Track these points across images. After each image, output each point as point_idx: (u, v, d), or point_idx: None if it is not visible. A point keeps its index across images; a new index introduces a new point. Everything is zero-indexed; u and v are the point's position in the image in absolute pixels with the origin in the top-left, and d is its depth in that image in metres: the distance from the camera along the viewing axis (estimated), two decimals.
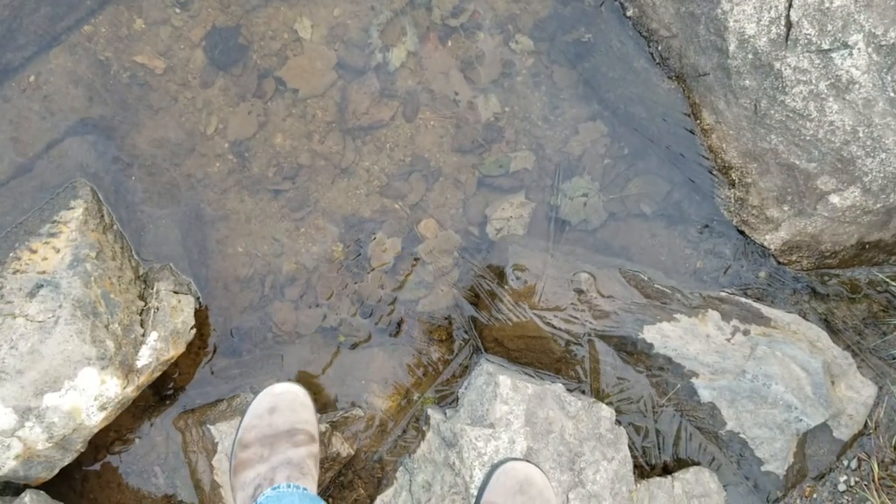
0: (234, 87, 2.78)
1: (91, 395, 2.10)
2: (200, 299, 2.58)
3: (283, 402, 2.16)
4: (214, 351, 2.61)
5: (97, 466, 2.44)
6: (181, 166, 2.74)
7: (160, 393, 2.46)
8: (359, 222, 2.74)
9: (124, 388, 2.13)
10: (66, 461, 2.20)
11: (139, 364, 2.19)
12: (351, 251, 2.74)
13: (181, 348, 2.30)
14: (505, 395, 2.17)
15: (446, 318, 2.67)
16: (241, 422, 2.16)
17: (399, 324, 2.68)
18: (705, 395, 2.28)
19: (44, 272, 2.26)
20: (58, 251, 2.28)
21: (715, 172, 2.56)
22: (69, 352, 2.09)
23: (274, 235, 2.73)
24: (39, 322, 2.12)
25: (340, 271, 2.74)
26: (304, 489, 1.93)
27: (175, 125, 2.77)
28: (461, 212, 2.72)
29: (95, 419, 2.12)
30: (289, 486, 1.94)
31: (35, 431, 2.08)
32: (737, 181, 2.41)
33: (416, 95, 2.78)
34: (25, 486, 2.24)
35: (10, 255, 2.39)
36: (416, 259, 2.70)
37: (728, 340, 2.34)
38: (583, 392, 2.40)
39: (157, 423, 2.48)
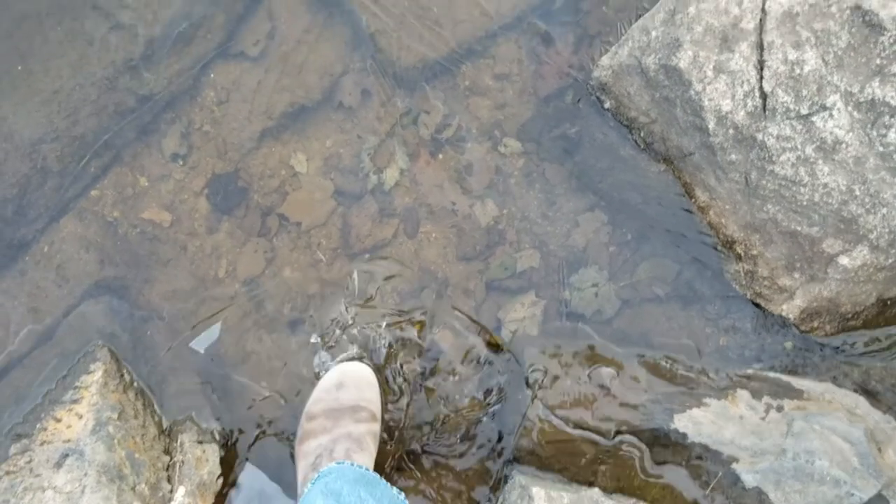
0: (239, 229, 2.85)
1: None
2: (229, 443, 2.57)
3: (350, 380, 2.40)
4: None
5: None
6: (196, 314, 2.79)
7: None
8: (376, 340, 2.74)
9: None
10: None
11: None
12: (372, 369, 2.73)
13: (209, 500, 2.28)
14: None
15: (473, 434, 2.63)
16: (311, 395, 2.37)
17: (423, 449, 2.64)
18: (749, 479, 2.19)
19: (69, 440, 2.28)
20: (80, 417, 2.31)
21: (720, 248, 2.54)
22: None
23: (298, 372, 2.74)
24: (67, 493, 2.13)
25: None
26: (365, 468, 2.07)
27: (186, 274, 2.83)
28: (470, 322, 2.72)
29: None
30: (351, 465, 2.07)
31: None
32: (743, 254, 2.39)
33: (414, 211, 2.83)
34: None
35: (38, 426, 2.43)
36: (437, 373, 2.68)
37: (762, 419, 2.27)
38: (621, 492, 2.33)
39: None
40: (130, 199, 2.91)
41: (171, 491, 2.24)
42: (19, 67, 2.88)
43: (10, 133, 2.80)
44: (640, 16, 2.67)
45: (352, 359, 2.60)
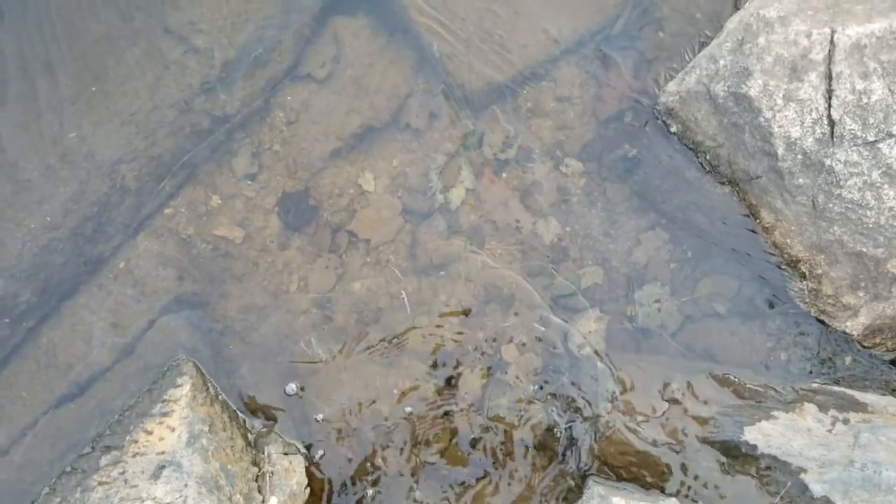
0: (309, 245, 2.96)
1: None
2: (311, 455, 2.68)
3: None
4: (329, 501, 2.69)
5: None
6: (270, 326, 2.89)
7: None
8: (448, 356, 2.85)
9: None
10: None
11: None
12: (441, 387, 2.83)
13: None
14: None
15: (544, 444, 2.73)
16: None
17: (495, 452, 2.74)
18: (817, 489, 2.30)
19: (163, 452, 2.38)
20: (173, 430, 2.41)
21: (783, 267, 2.65)
22: None
23: (367, 382, 2.85)
24: (168, 503, 2.23)
25: (435, 408, 2.83)
26: None
27: (260, 289, 2.94)
28: (540, 334, 2.82)
29: None
30: None
31: None
32: (807, 273, 2.50)
33: (480, 229, 2.94)
34: None
35: (127, 438, 2.53)
36: (503, 384, 2.79)
37: (829, 431, 2.38)
38: (695, 502, 2.43)
39: None
40: (204, 217, 3.02)
41: (264, 501, 2.34)
42: (93, 88, 2.98)
43: (90, 153, 2.91)
44: (702, 44, 2.79)
45: None
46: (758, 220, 2.63)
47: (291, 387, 2.77)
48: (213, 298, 2.92)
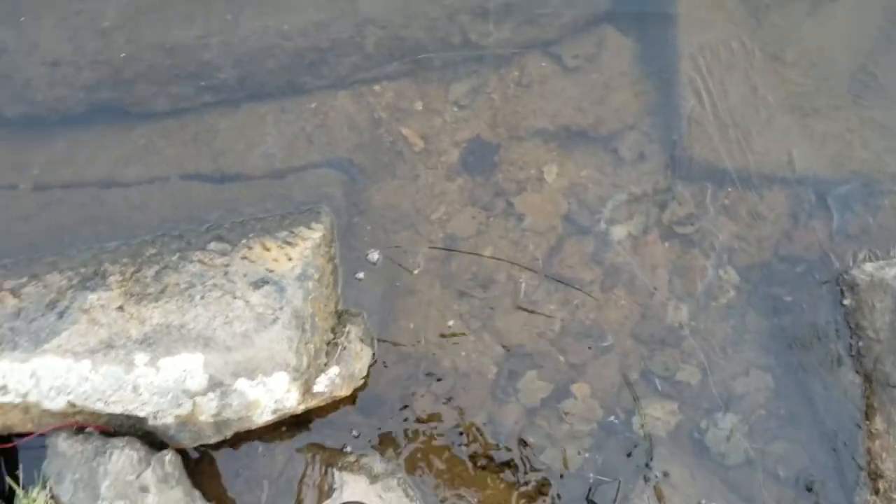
0: (471, 190, 3.06)
1: (273, 398, 2.26)
2: (375, 356, 2.76)
3: None
4: (355, 404, 2.76)
5: (217, 455, 2.56)
6: (399, 234, 2.99)
7: (298, 416, 2.60)
8: (522, 354, 2.91)
9: (298, 404, 2.29)
10: (209, 441, 2.33)
11: (315, 389, 2.36)
12: (503, 376, 2.90)
13: (348, 392, 2.46)
14: None
15: (561, 486, 2.78)
16: None
17: (516, 462, 2.79)
18: None
19: (272, 271, 2.48)
20: (290, 259, 2.51)
21: (862, 472, 2.68)
22: (275, 352, 2.27)
23: (445, 329, 2.92)
24: (258, 313, 2.32)
25: (487, 389, 2.89)
26: None
27: (408, 198, 3.04)
28: (614, 392, 2.87)
29: (262, 419, 2.27)
30: None
31: (210, 404, 2.24)
32: (881, 491, 2.53)
33: (620, 272, 3.00)
34: (163, 444, 2.37)
35: (243, 241, 2.63)
36: (558, 412, 2.84)
37: None
38: None
39: (283, 442, 2.61)
40: (401, 111, 3.14)
41: (326, 365, 2.42)
42: None
43: (356, 4, 3.03)
44: None
45: None
46: (868, 422, 2.67)
47: (374, 255, 2.85)
48: (370, 180, 3.02)
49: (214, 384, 2.23)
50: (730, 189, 3.07)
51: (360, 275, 2.88)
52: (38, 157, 2.97)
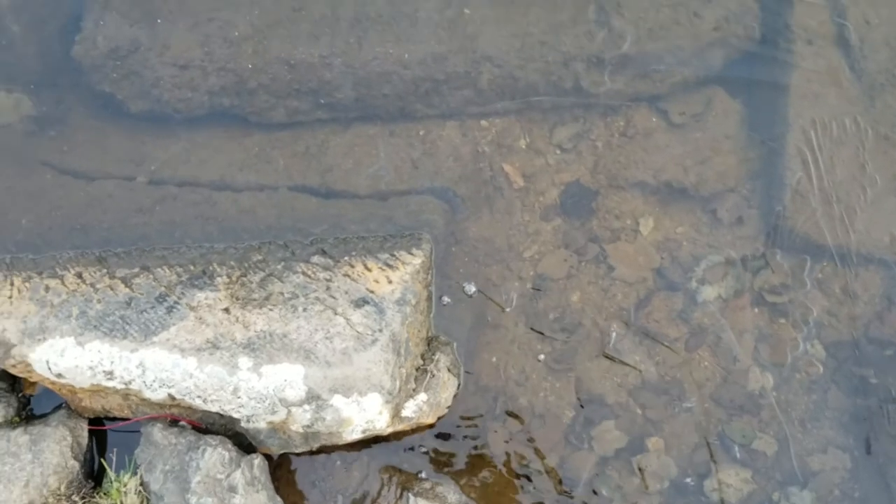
0: (565, 233, 3.10)
1: (365, 418, 2.32)
2: (460, 387, 2.81)
3: None
4: (432, 429, 2.81)
5: (297, 463, 2.63)
6: (490, 268, 3.04)
7: (386, 439, 2.66)
8: (599, 402, 2.93)
9: (387, 426, 2.35)
10: (295, 449, 2.40)
11: (403, 413, 2.41)
12: (578, 422, 2.92)
13: (433, 420, 2.51)
14: None
15: None
16: None
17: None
18: None
19: (372, 292, 2.55)
20: (390, 282, 2.57)
21: None
22: (371, 373, 2.33)
23: (526, 368, 2.96)
24: (358, 333, 2.39)
25: (561, 433, 2.91)
26: None
27: (503, 233, 3.10)
28: (689, 452, 2.87)
29: (351, 436, 2.33)
30: None
31: (304, 416, 2.31)
32: None
33: (705, 334, 3.01)
34: (250, 446, 2.45)
35: (345, 258, 2.71)
36: (631, 465, 2.85)
37: None
38: None
39: (361, 460, 2.66)
40: (504, 148, 3.20)
41: (415, 391, 2.47)
42: None
43: (469, 35, 3.11)
44: None
45: None
46: None
47: (471, 288, 2.91)
48: (468, 211, 3.08)
49: (312, 397, 2.30)
50: (826, 264, 3.06)
51: (449, 301, 2.93)
52: (157, 153, 3.11)
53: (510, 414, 2.91)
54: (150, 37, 3.10)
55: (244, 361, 2.34)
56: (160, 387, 2.37)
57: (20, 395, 2.72)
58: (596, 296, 3.06)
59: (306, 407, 2.30)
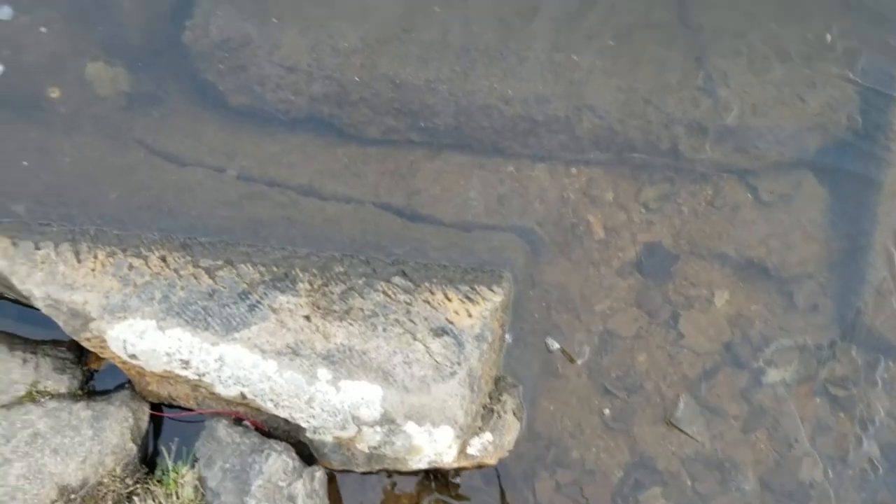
0: (639, 292, 3.09)
1: (434, 450, 2.30)
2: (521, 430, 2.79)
3: None
4: (481, 468, 2.79)
5: (350, 481, 2.62)
6: (560, 315, 3.03)
7: (436, 472, 2.65)
8: (651, 468, 2.90)
9: (453, 461, 2.33)
10: (356, 469, 2.38)
11: (468, 451, 2.39)
12: (627, 484, 2.89)
13: (495, 461, 2.49)
14: None
15: None
16: None
17: None
18: None
19: (452, 323, 2.54)
20: (470, 316, 2.57)
21: None
22: (447, 405, 2.32)
23: (583, 421, 2.94)
24: (437, 363, 2.38)
25: (609, 492, 2.89)
26: None
27: (577, 282, 3.10)
28: None
29: (416, 465, 2.32)
30: None
31: (374, 437, 2.30)
32: None
33: (765, 416, 2.98)
34: (310, 457, 2.43)
35: (426, 283, 2.71)
36: None
37: None
38: None
39: (411, 489, 2.65)
40: (590, 198, 3.21)
41: (481, 429, 2.46)
42: (628, 53, 3.22)
43: (577, 87, 3.12)
44: None
45: None
46: None
47: (554, 345, 2.90)
48: (547, 256, 3.08)
49: (386, 420, 2.29)
50: (893, 365, 3.03)
51: (524, 347, 2.93)
52: (249, 149, 3.13)
53: (560, 465, 2.88)
54: (262, 34, 3.13)
55: (323, 373, 2.34)
56: (234, 384, 2.37)
57: (84, 368, 2.72)
58: (662, 360, 3.04)
59: (378, 429, 2.29)
